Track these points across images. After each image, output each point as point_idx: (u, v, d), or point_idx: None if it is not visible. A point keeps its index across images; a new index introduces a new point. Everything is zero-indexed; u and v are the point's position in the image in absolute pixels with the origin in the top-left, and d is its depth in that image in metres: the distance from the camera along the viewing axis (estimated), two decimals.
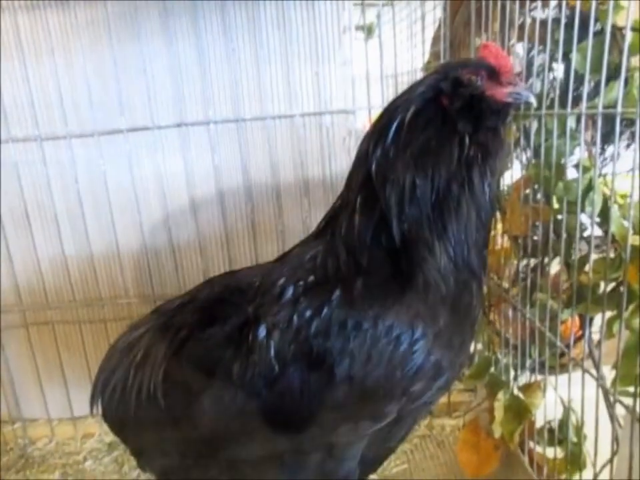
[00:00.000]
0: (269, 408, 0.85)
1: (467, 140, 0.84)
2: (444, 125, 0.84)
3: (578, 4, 0.96)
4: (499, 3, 1.22)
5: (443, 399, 1.72)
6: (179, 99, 1.62)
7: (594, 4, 0.93)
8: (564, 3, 1.00)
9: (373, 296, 0.83)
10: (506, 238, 1.36)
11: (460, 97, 0.84)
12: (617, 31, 0.96)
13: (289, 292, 0.87)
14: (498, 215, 1.37)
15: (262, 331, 0.85)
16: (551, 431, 1.21)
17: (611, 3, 0.89)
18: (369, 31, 1.74)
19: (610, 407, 1.04)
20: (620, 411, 0.97)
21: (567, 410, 1.14)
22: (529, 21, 1.15)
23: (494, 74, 0.86)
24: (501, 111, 0.87)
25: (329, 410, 0.84)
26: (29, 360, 1.83)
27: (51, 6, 1.57)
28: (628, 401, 0.91)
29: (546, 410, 1.19)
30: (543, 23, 1.08)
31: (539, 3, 1.08)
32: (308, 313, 0.84)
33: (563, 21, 1.00)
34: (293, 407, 0.84)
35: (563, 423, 1.16)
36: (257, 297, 0.90)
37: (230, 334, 0.89)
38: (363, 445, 0.90)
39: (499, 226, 1.38)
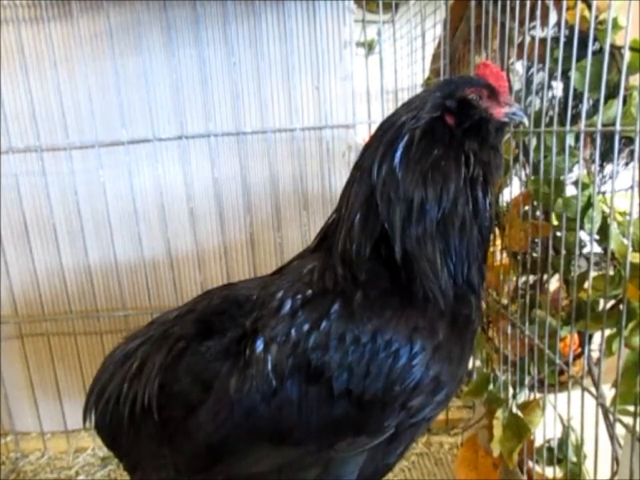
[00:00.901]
0: (266, 422, 0.84)
1: (472, 159, 0.85)
2: (451, 144, 0.85)
3: (577, 23, 0.97)
4: (498, 21, 1.24)
5: (441, 416, 1.71)
6: (180, 111, 1.63)
7: (592, 23, 0.94)
8: (563, 22, 1.01)
9: (372, 309, 0.83)
10: (505, 254, 1.36)
11: (469, 118, 0.85)
12: (616, 50, 0.97)
13: (287, 305, 0.87)
14: (497, 231, 1.37)
15: (259, 345, 0.85)
16: (550, 449, 1.19)
17: (609, 23, 0.90)
18: (369, 47, 1.75)
19: (610, 426, 1.03)
20: (620, 430, 0.96)
21: (567, 429, 1.13)
22: (528, 39, 1.16)
23: (493, 93, 0.88)
24: (498, 130, 0.89)
25: (326, 424, 0.83)
26: (23, 372, 1.81)
27: (54, 19, 1.58)
28: (628, 419, 0.91)
29: (545, 428, 1.18)
30: (542, 41, 1.09)
31: (538, 22, 1.09)
32: (306, 327, 0.83)
33: (562, 39, 1.01)
34: (291, 421, 0.83)
35: (563, 441, 1.14)
36: (255, 310, 0.90)
37: (228, 347, 0.89)
38: (361, 461, 0.89)
39: (498, 242, 1.38)
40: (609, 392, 0.98)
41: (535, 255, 1.21)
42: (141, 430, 0.95)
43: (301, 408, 0.82)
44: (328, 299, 0.85)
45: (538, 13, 1.08)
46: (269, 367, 0.83)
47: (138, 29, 1.57)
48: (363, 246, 0.86)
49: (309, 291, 0.87)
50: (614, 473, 0.99)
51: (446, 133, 0.85)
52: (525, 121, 0.90)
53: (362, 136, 1.68)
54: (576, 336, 1.16)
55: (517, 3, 1.14)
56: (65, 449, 1.81)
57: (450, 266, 0.85)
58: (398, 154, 0.84)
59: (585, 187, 1.04)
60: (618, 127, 0.88)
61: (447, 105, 0.85)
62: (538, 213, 1.18)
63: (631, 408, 0.89)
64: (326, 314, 0.83)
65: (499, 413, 1.25)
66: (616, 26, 0.93)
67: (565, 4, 1.01)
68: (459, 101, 0.86)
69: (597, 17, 0.95)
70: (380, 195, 0.84)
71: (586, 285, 1.04)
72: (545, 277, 1.20)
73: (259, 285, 0.96)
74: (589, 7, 0.96)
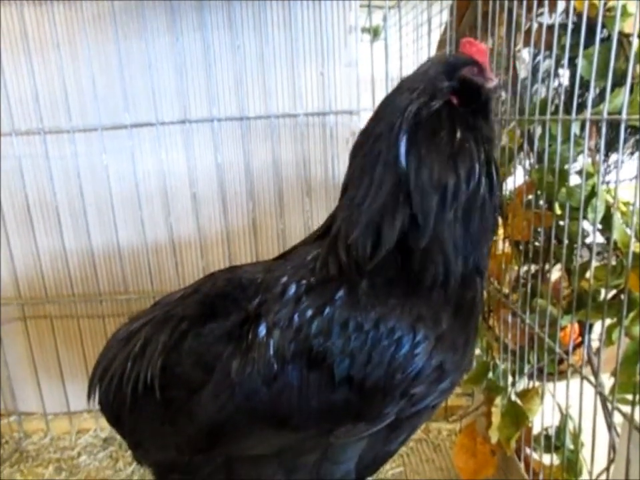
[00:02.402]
0: (267, 406, 0.85)
1: (482, 137, 0.86)
2: (467, 125, 0.86)
3: (585, 10, 0.95)
4: (505, 8, 1.22)
5: None
6: (183, 95, 1.62)
7: (601, 10, 0.93)
8: (571, 9, 0.99)
9: (376, 297, 0.83)
10: (507, 243, 1.36)
11: (477, 97, 0.87)
12: (624, 37, 0.96)
13: (291, 290, 0.87)
14: (500, 219, 1.37)
15: (262, 329, 0.85)
16: (547, 437, 1.20)
17: (618, 10, 0.89)
18: (375, 33, 1.74)
19: (608, 414, 1.03)
20: (618, 418, 0.96)
21: (565, 417, 1.14)
22: (535, 26, 1.15)
23: (481, 70, 0.89)
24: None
25: (326, 410, 0.83)
26: (26, 353, 1.83)
27: (57, 0, 1.57)
28: (626, 409, 0.91)
29: (543, 416, 1.19)
30: (550, 28, 1.08)
31: (546, 8, 1.08)
32: (309, 312, 0.83)
33: (570, 26, 1.00)
34: (291, 406, 0.84)
35: (560, 429, 1.15)
36: (259, 294, 0.90)
37: (230, 330, 0.89)
38: (361, 447, 0.90)
39: (501, 231, 1.38)
40: (608, 381, 0.98)
41: (537, 244, 1.21)
42: (143, 409, 0.95)
43: (301, 393, 0.83)
44: (333, 285, 0.85)
45: None
46: (271, 351, 0.83)
47: (142, 12, 1.55)
48: (390, 232, 0.84)
49: (313, 278, 0.88)
50: (611, 461, 1.00)
51: (458, 114, 0.86)
52: (503, 93, 0.92)
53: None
54: (576, 325, 1.16)
55: None
56: (68, 430, 1.83)
57: (468, 248, 0.85)
58: (425, 144, 0.84)
59: (589, 176, 1.03)
60: (624, 116, 0.87)
61: (453, 87, 0.86)
62: (541, 202, 1.17)
63: (630, 397, 0.89)
64: (330, 300, 0.83)
65: (498, 401, 1.26)
66: (625, 13, 0.91)
67: None
68: (461, 81, 0.87)
69: (605, 4, 0.94)
70: (414, 186, 0.83)
71: (588, 274, 1.04)
72: (547, 266, 1.20)
73: (263, 269, 0.96)
74: None
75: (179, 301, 1.00)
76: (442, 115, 0.85)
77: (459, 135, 0.85)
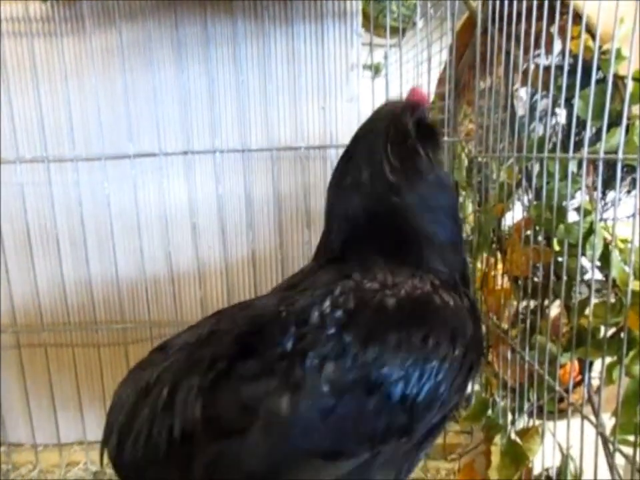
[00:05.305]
0: (324, 440, 0.82)
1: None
2: (428, 157, 1.02)
3: (581, 52, 0.98)
4: (503, 49, 1.26)
5: (439, 441, 1.68)
6: (187, 126, 1.64)
7: (596, 53, 0.95)
8: (567, 51, 1.02)
9: (414, 312, 0.89)
10: (506, 278, 1.36)
11: (432, 134, 1.06)
12: (619, 79, 0.99)
13: (332, 320, 0.86)
14: (499, 255, 1.37)
15: (312, 363, 0.82)
16: (548, 478, 1.18)
17: (613, 53, 0.92)
18: (376, 70, 1.78)
19: (609, 455, 1.01)
20: (620, 460, 0.94)
21: (566, 457, 1.11)
22: (532, 66, 1.18)
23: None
24: None
25: (380, 431, 0.83)
26: (19, 382, 1.80)
27: (67, 34, 1.61)
28: (627, 450, 0.89)
29: (544, 456, 1.17)
30: (547, 69, 1.11)
31: (543, 50, 1.11)
32: (360, 340, 0.84)
33: (566, 68, 1.02)
34: (347, 435, 0.82)
35: (561, 470, 1.13)
36: (290, 328, 0.86)
37: (269, 367, 0.84)
38: (399, 463, 0.91)
39: (499, 266, 1.38)
40: (609, 421, 0.97)
41: (536, 280, 1.21)
42: (178, 459, 0.86)
43: (358, 421, 0.82)
44: (371, 308, 0.88)
45: (542, 41, 1.09)
46: (326, 384, 0.81)
47: (149, 46, 1.59)
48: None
49: (349, 304, 0.88)
50: None
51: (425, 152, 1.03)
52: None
53: None
54: (576, 363, 1.15)
55: (522, 31, 1.16)
56: (57, 462, 1.78)
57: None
58: (421, 180, 1.01)
59: (586, 213, 1.04)
60: (620, 155, 0.89)
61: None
62: (540, 238, 1.18)
63: (631, 438, 0.88)
64: (376, 324, 0.86)
65: (497, 440, 1.24)
66: (619, 56, 0.94)
67: (569, 33, 1.02)
68: (418, 122, 1.04)
69: (600, 47, 0.97)
70: (417, 212, 1.00)
71: (587, 311, 1.04)
72: (546, 302, 1.20)
73: (278, 302, 0.93)
74: (593, 37, 0.98)
75: (201, 342, 0.93)
76: (423, 156, 1.02)
77: (436, 169, 1.03)
